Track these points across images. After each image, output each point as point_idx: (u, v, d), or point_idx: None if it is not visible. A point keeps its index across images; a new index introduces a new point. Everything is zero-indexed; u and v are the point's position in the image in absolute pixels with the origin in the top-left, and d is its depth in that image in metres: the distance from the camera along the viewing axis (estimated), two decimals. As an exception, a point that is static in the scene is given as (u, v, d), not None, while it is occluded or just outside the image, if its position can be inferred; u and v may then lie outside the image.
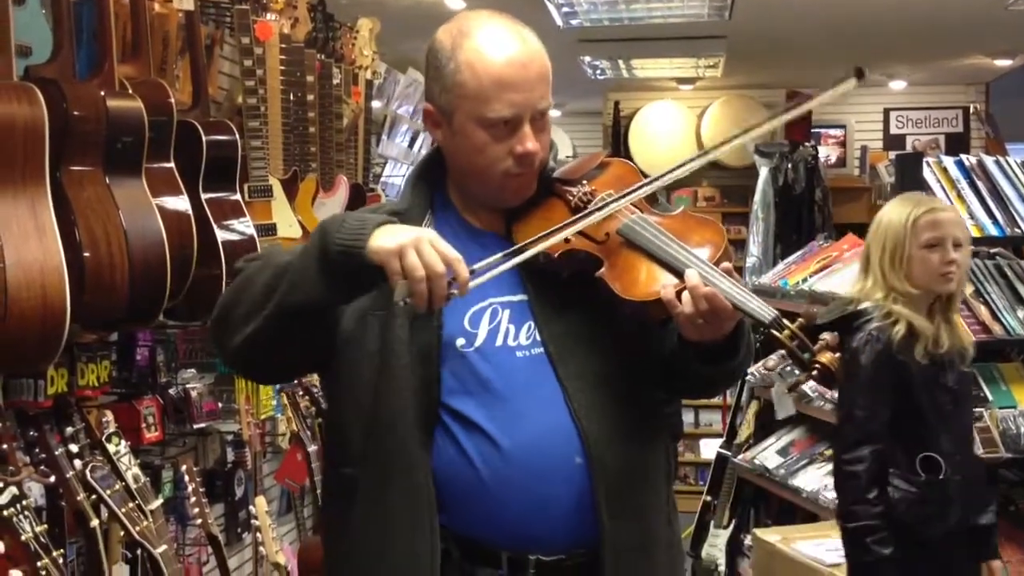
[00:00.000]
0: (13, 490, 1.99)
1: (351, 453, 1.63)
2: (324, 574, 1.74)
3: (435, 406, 1.59)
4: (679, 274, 1.51)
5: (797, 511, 3.63)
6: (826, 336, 1.50)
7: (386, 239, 1.48)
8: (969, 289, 3.02)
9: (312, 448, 3.30)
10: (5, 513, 1.95)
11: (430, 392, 1.59)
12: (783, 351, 1.49)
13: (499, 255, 1.54)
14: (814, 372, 1.47)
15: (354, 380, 1.63)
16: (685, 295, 1.48)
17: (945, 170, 3.10)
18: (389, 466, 1.59)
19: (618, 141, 7.58)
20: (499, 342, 1.61)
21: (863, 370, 2.55)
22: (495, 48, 1.58)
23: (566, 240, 1.60)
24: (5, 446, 2.08)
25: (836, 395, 3.26)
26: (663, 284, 1.51)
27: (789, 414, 3.86)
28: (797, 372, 1.55)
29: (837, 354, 1.48)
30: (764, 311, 1.47)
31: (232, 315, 1.62)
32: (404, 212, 1.65)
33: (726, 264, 1.52)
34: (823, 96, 1.75)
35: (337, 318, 1.64)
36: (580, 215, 1.61)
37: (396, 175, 5.21)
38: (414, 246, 1.45)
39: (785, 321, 1.48)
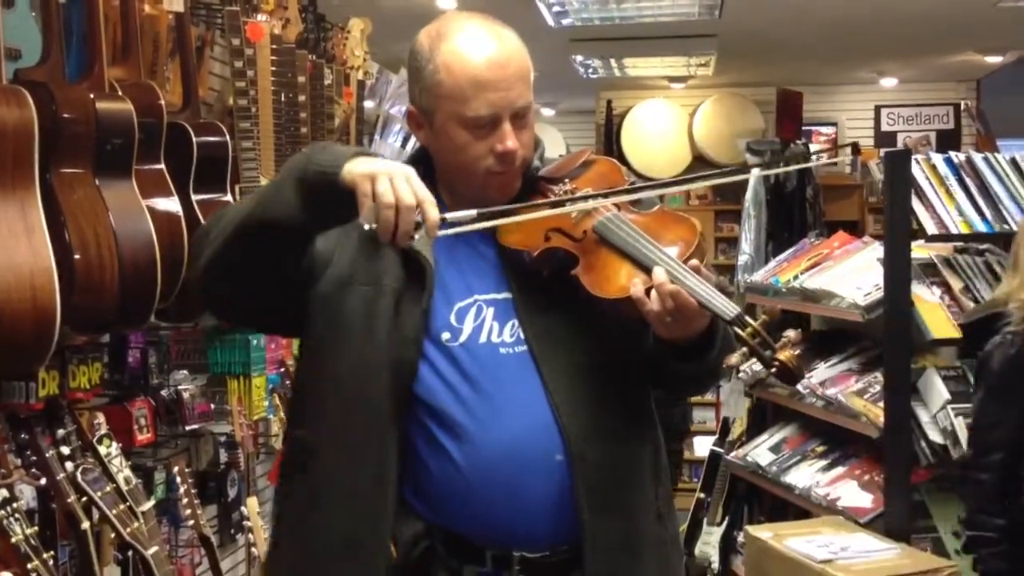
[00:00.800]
0: (4, 492, 1.99)
1: (314, 418, 1.64)
2: (269, 544, 1.74)
3: (407, 393, 1.60)
4: (648, 271, 1.52)
5: (790, 508, 3.64)
6: (789, 333, 1.51)
7: (363, 164, 1.50)
8: (958, 285, 3.03)
9: (305, 448, 3.30)
10: (-3, 515, 1.95)
11: (404, 378, 1.59)
12: (745, 348, 1.51)
13: (473, 212, 1.55)
14: (774, 369, 1.49)
15: (327, 345, 1.64)
16: (653, 292, 1.50)
17: (934, 167, 3.11)
18: (350, 439, 1.60)
19: (611, 139, 7.60)
20: (483, 339, 1.62)
21: (992, 375, 2.49)
22: (472, 48, 1.60)
23: (546, 238, 1.61)
24: (-4, 448, 2.08)
25: (827, 392, 3.28)
26: (633, 281, 1.52)
27: (736, 415, 3.88)
28: (759, 369, 1.56)
29: (797, 352, 1.49)
30: (727, 308, 1.48)
31: (207, 239, 1.64)
32: None
33: (694, 262, 1.54)
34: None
35: (312, 268, 1.64)
36: (555, 204, 1.62)
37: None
38: (387, 175, 1.47)
39: (748, 318, 1.49)
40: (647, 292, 1.50)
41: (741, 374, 3.69)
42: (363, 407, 1.59)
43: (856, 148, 1.60)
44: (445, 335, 1.62)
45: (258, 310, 1.72)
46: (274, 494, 1.80)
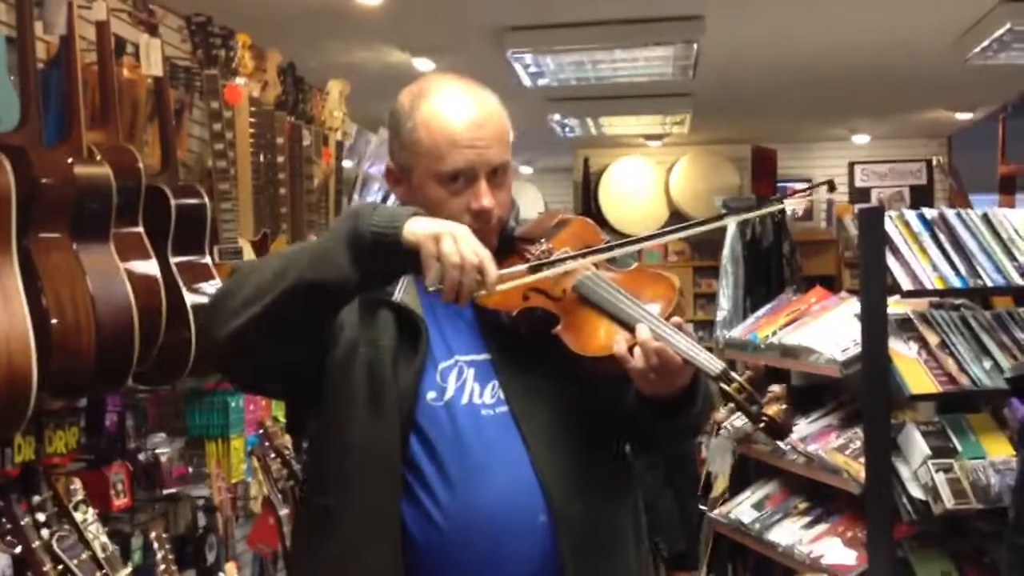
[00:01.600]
0: (-23, 562, 1.96)
1: (330, 483, 1.63)
2: None
3: (408, 452, 1.59)
4: (631, 329, 1.53)
5: (775, 566, 3.61)
6: (775, 388, 1.52)
7: (424, 223, 1.49)
8: (935, 340, 3.04)
9: (284, 512, 3.27)
10: (-31, 585, 1.92)
11: (406, 437, 1.59)
12: (731, 404, 1.51)
13: (524, 267, 1.57)
14: (761, 424, 1.49)
15: (340, 411, 1.63)
16: (637, 350, 1.50)
17: (907, 223, 3.13)
18: (368, 500, 1.58)
19: (588, 196, 7.65)
20: (465, 400, 1.62)
21: None
22: (450, 108, 1.62)
23: (524, 297, 1.61)
24: (-30, 516, 2.05)
25: (808, 448, 3.27)
26: (616, 339, 1.53)
27: (724, 471, 3.87)
28: (746, 424, 1.57)
29: (785, 406, 1.49)
30: (712, 364, 1.49)
31: (230, 302, 1.58)
32: None
33: (676, 319, 1.54)
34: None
35: (335, 337, 1.63)
36: (538, 266, 1.63)
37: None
38: (451, 233, 1.47)
39: (733, 374, 1.49)
40: (630, 349, 1.51)
41: (723, 431, 3.68)
42: (380, 471, 1.58)
43: (832, 186, 1.63)
44: (431, 394, 1.62)
45: (278, 375, 1.68)
46: (289, 560, 1.79)
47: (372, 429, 1.59)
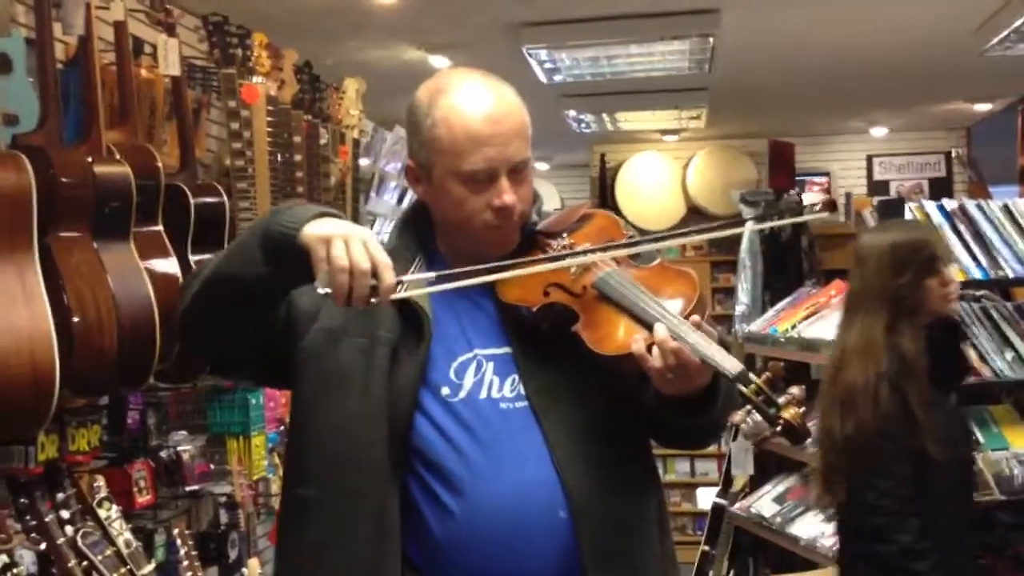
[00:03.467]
0: (4, 558, 1.98)
1: (313, 474, 1.62)
2: None
3: (404, 444, 1.59)
4: (649, 328, 1.51)
5: (796, 559, 3.60)
6: (794, 390, 1.51)
7: (321, 226, 1.49)
8: (956, 332, 3.03)
9: (305, 508, 3.28)
10: (-5, 582, 1.93)
11: (402, 428, 1.58)
12: (749, 406, 1.49)
13: (432, 274, 1.55)
14: (778, 427, 1.47)
15: (321, 399, 1.62)
16: (655, 349, 1.49)
17: (927, 215, 3.13)
18: (352, 493, 1.57)
19: (605, 193, 7.64)
20: (483, 394, 1.61)
21: None
22: (470, 103, 1.61)
23: (545, 293, 1.61)
24: (-5, 514, 2.07)
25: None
26: (634, 338, 1.51)
27: (748, 472, 3.86)
28: (764, 427, 1.56)
29: (803, 409, 1.48)
30: (730, 365, 1.47)
31: (188, 288, 1.65)
32: (389, 254, 1.65)
33: (695, 317, 1.52)
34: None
35: (294, 325, 1.64)
36: (548, 260, 1.62)
37: (385, 232, 5.24)
38: (343, 238, 1.46)
39: (752, 376, 1.47)
40: (648, 348, 1.49)
41: (744, 425, 3.67)
42: (361, 461, 1.57)
43: (833, 205, 1.63)
44: (444, 390, 1.61)
45: (233, 359, 1.72)
46: (274, 553, 1.79)
47: (355, 418, 1.58)
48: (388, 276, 1.46)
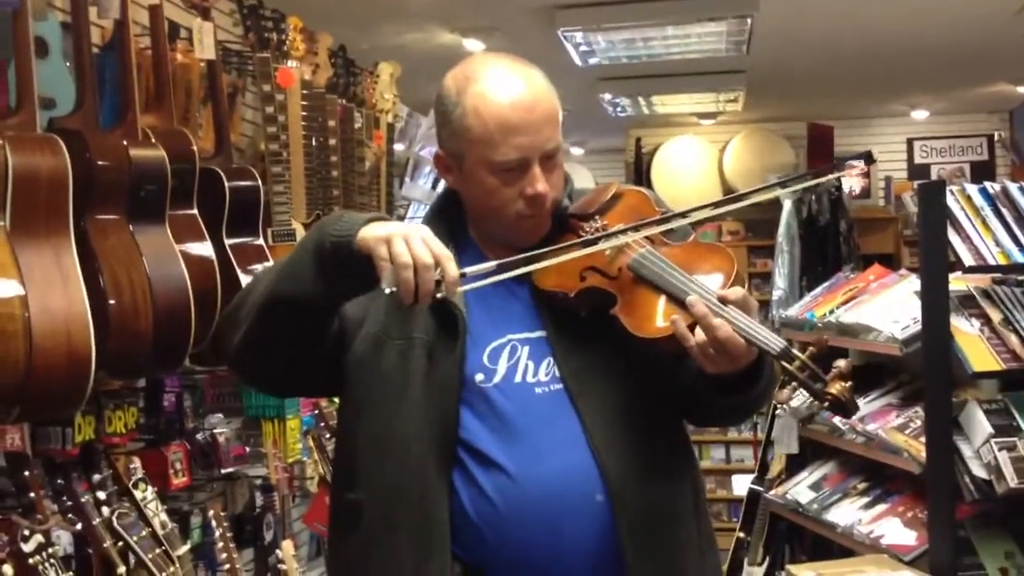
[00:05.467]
0: (40, 538, 2.00)
1: (360, 478, 1.62)
2: None
3: (453, 440, 1.58)
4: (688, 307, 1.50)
5: (832, 546, 3.57)
6: (840, 363, 1.48)
7: (377, 228, 1.49)
8: (997, 317, 2.98)
9: (339, 491, 3.29)
10: (32, 561, 1.95)
11: (447, 425, 1.58)
12: (794, 383, 1.47)
13: (493, 264, 1.53)
14: (826, 403, 1.45)
15: (367, 404, 1.63)
16: (696, 328, 1.47)
17: (969, 198, 3.07)
18: (401, 494, 1.58)
19: (640, 177, 7.60)
20: (518, 378, 1.61)
21: None
22: (499, 92, 1.59)
23: (581, 278, 1.59)
24: (33, 494, 2.09)
25: (868, 428, 3.23)
26: (673, 319, 1.49)
27: (791, 451, 3.81)
28: (810, 403, 1.53)
29: (849, 383, 1.45)
30: (773, 342, 1.45)
31: (239, 314, 1.64)
32: None
33: (737, 289, 1.51)
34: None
35: (344, 334, 1.64)
36: (586, 244, 1.60)
37: (419, 217, 5.24)
38: (402, 235, 1.46)
39: (795, 351, 1.46)
40: (690, 328, 1.48)
41: (795, 400, 3.60)
42: (411, 463, 1.58)
43: (870, 157, 1.59)
44: (479, 376, 1.61)
45: (294, 382, 1.74)
46: (327, 555, 1.80)
47: (396, 419, 1.59)
48: (451, 268, 1.46)
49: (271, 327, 1.58)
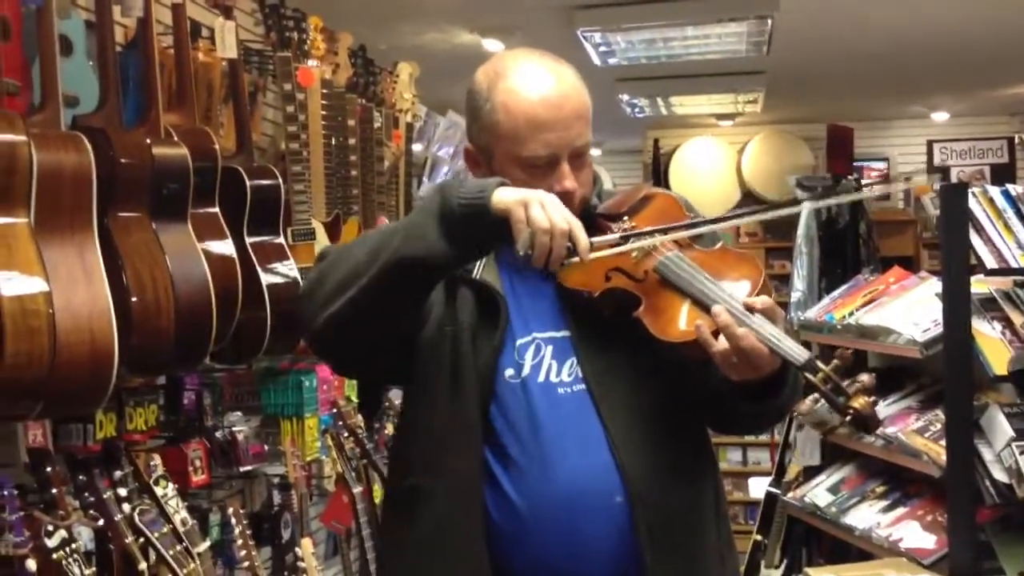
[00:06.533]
0: (63, 533, 2.00)
1: (417, 463, 1.63)
2: None
3: (488, 430, 1.60)
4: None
5: (850, 549, 3.56)
6: (863, 378, 1.47)
7: (512, 191, 1.49)
8: (1019, 319, 2.97)
9: (357, 490, 3.30)
10: (55, 556, 1.96)
11: (483, 414, 1.60)
12: (817, 394, 1.46)
13: (617, 235, 1.56)
14: (848, 417, 1.44)
15: (424, 389, 1.63)
16: (720, 335, 1.47)
17: (991, 200, 3.06)
18: (453, 480, 1.59)
19: (658, 178, 7.58)
20: (541, 378, 1.61)
21: None
22: (529, 87, 1.59)
23: (607, 278, 1.59)
24: (55, 490, 2.10)
25: (887, 431, 3.21)
26: (697, 324, 1.49)
27: (813, 463, 3.80)
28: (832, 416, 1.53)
29: (872, 398, 1.44)
30: (797, 353, 1.45)
31: (323, 288, 1.59)
32: None
33: (763, 297, 1.51)
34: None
35: (428, 313, 1.63)
36: (616, 244, 1.60)
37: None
38: (539, 201, 1.46)
39: (819, 364, 1.45)
40: (714, 334, 1.47)
41: (818, 407, 3.59)
42: (462, 450, 1.59)
43: (907, 179, 1.58)
44: (509, 371, 1.62)
45: (376, 357, 1.69)
46: (382, 543, 1.81)
47: (453, 408, 1.60)
48: (583, 237, 1.47)
49: (379, 296, 1.54)
